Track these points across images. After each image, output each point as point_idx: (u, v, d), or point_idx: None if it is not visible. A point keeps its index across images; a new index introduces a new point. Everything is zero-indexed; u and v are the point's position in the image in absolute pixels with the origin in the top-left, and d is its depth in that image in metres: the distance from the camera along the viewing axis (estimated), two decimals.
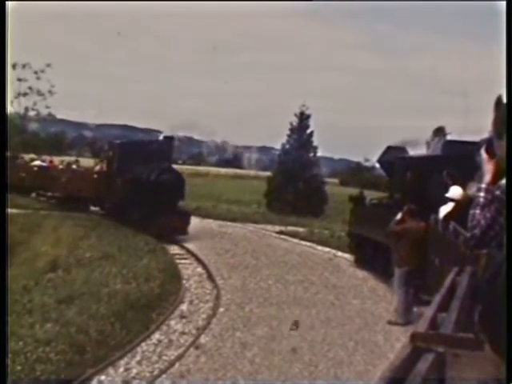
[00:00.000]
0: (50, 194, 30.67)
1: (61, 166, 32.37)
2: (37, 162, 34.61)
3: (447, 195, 11.14)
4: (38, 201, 30.51)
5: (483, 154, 4.32)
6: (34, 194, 31.75)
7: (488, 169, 3.56)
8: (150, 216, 21.14)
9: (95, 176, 26.39)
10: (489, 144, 3.63)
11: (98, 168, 27.27)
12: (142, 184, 21.85)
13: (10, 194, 26.90)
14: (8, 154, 39.90)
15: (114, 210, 24.24)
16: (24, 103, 44.56)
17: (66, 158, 39.42)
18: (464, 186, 10.91)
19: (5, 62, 6.05)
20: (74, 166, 32.03)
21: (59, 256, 16.09)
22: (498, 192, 3.32)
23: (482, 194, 3.39)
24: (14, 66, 41.48)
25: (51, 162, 35.71)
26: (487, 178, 3.45)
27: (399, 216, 12.57)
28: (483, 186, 3.42)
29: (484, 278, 3.64)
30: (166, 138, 24.89)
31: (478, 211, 3.39)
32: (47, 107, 45.00)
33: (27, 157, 37.92)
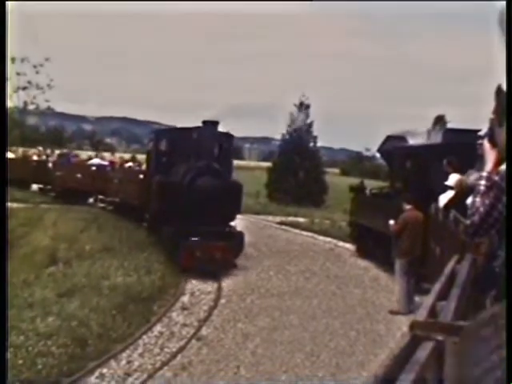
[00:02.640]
0: (109, 199, 25.62)
1: (127, 165, 27.69)
2: (95, 161, 29.94)
3: (447, 183, 11.11)
4: (97, 207, 26.74)
5: (486, 143, 4.29)
6: (91, 200, 28.06)
7: (490, 158, 3.55)
8: (180, 237, 15.19)
9: (141, 177, 20.63)
10: (491, 134, 3.62)
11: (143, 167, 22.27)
12: (175, 189, 15.89)
13: (68, 200, 25.89)
14: (61, 151, 39.00)
15: (151, 223, 18.53)
16: (23, 97, 44.53)
17: (123, 155, 37.22)
18: (464, 174, 10.88)
19: (5, 61, 6.01)
20: (130, 164, 28.07)
21: (59, 249, 16.09)
22: (497, 178, 3.30)
23: (482, 182, 3.38)
24: (12, 60, 41.42)
25: (112, 161, 30.08)
26: (489, 166, 3.44)
27: (401, 218, 12.51)
28: (484, 174, 3.41)
29: (496, 264, 3.63)
30: (207, 123, 16.38)
31: (477, 199, 3.38)
32: (46, 101, 44.97)
33: (84, 154, 35.08)
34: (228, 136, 18.65)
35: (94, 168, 27.95)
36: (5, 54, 5.99)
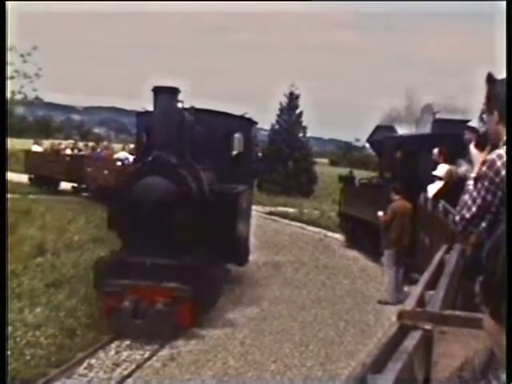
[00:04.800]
0: None
1: None
2: (121, 155, 24.89)
3: (435, 173, 11.13)
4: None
5: (473, 149, 4.31)
6: None
7: (477, 161, 3.57)
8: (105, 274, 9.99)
9: None
10: (477, 139, 3.64)
11: None
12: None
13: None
14: (94, 144, 34.89)
15: None
16: (10, 87, 44.17)
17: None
18: (454, 164, 10.89)
19: (5, 61, 5.94)
20: None
21: (47, 240, 16.01)
22: (484, 168, 3.29)
23: (471, 183, 3.41)
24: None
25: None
26: (477, 169, 3.49)
27: (390, 208, 12.51)
28: (473, 175, 3.45)
29: (484, 252, 3.63)
30: (159, 91, 10.86)
31: (466, 196, 3.39)
32: (34, 90, 44.60)
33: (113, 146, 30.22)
34: (245, 122, 13.83)
35: (119, 163, 23.27)
36: (5, 54, 5.91)
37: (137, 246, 10.06)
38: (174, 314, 9.41)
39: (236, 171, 12.36)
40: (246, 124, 13.79)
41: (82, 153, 29.47)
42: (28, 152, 32.63)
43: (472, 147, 7.25)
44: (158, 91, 10.69)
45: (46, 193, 27.49)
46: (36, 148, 32.74)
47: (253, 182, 14.44)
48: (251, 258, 13.73)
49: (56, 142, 36.66)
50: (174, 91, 10.82)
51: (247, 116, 13.99)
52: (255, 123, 14.54)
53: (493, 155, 3.29)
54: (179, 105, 11.01)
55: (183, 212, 10.05)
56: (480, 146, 3.76)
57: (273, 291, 12.85)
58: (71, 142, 34.75)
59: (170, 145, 10.52)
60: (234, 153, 13.18)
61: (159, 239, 9.94)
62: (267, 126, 42.73)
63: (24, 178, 31.34)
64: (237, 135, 13.23)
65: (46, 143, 34.97)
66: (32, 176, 30.76)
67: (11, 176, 29.08)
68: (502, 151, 3.18)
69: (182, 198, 10.09)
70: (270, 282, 13.69)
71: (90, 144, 33.12)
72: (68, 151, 30.60)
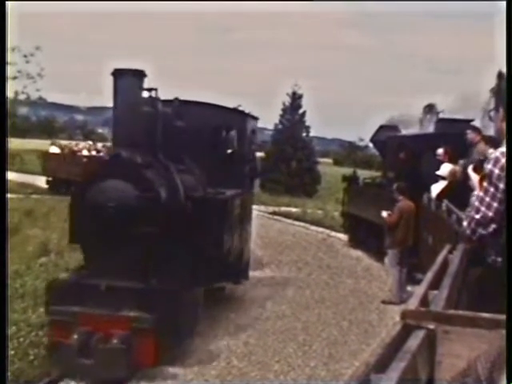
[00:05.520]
0: None
1: None
2: None
3: (438, 173, 11.14)
4: None
5: (471, 173, 4.34)
6: None
7: (476, 182, 3.63)
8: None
9: None
10: (476, 163, 3.67)
11: None
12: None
13: None
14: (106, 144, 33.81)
15: None
16: (14, 87, 44.18)
17: None
18: (457, 164, 10.89)
19: (5, 60, 5.93)
20: None
21: (51, 239, 16.02)
22: (489, 166, 3.29)
23: (474, 198, 3.46)
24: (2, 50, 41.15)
25: None
26: (477, 188, 3.56)
27: (397, 208, 12.47)
28: (475, 193, 3.52)
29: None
30: (121, 74, 8.80)
31: (473, 199, 3.42)
32: (37, 90, 44.60)
33: None
34: (239, 115, 12.08)
35: None
36: (5, 54, 5.90)
37: (95, 265, 8.38)
38: (132, 351, 7.59)
39: (228, 173, 10.82)
40: (240, 118, 11.94)
41: (100, 154, 28.45)
42: (45, 154, 31.92)
43: (470, 170, 7.29)
44: (118, 75, 8.61)
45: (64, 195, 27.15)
46: (53, 149, 32.12)
47: (251, 185, 12.71)
48: (254, 257, 13.69)
49: (73, 142, 35.88)
50: (138, 74, 8.72)
51: (241, 109, 12.26)
52: (253, 118, 12.83)
53: (496, 153, 3.29)
54: (150, 94, 9.16)
55: (148, 223, 8.17)
56: (478, 170, 3.85)
57: (276, 291, 12.79)
58: (89, 142, 33.80)
59: (135, 141, 8.60)
60: (227, 151, 11.50)
61: (119, 257, 8.17)
62: (270, 126, 42.78)
63: (29, 178, 31.31)
64: (229, 131, 11.56)
65: (64, 144, 34.19)
66: (50, 179, 29.75)
67: (15, 176, 29.16)
68: (505, 149, 3.18)
69: (146, 205, 8.22)
70: (273, 281, 13.66)
71: (108, 144, 32.63)
72: (85, 152, 29.87)
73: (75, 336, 7.60)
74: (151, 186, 8.43)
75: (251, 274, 12.56)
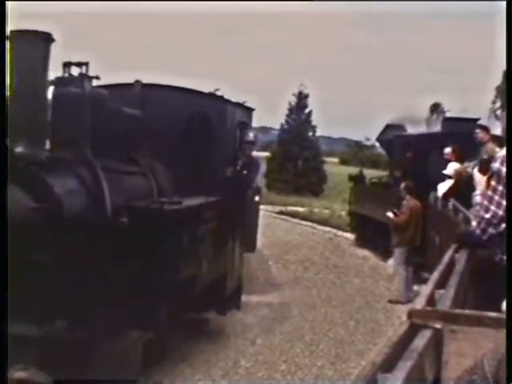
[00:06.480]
0: None
1: None
2: None
3: (445, 172, 11.12)
4: None
5: (476, 174, 4.35)
6: None
7: (481, 184, 3.66)
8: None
9: None
10: (481, 164, 3.70)
11: None
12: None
13: None
14: None
15: None
16: None
17: None
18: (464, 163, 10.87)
19: (5, 60, 5.92)
20: None
21: None
22: (497, 165, 3.31)
23: (478, 200, 3.49)
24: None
25: None
26: (481, 188, 3.60)
27: (404, 208, 12.46)
28: (478, 192, 3.55)
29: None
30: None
31: (480, 199, 3.43)
32: None
33: None
34: (217, 102, 9.49)
35: None
36: (5, 54, 5.90)
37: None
38: None
39: (201, 177, 8.43)
40: (217, 106, 9.28)
41: None
42: None
43: (476, 171, 7.28)
44: (14, 39, 6.08)
45: None
46: None
47: (241, 192, 9.91)
48: (261, 257, 13.66)
49: None
50: (43, 38, 6.23)
51: (219, 94, 10.11)
52: (241, 107, 10.28)
53: (503, 151, 3.31)
54: (80, 70, 7.02)
55: (47, 244, 5.85)
56: (483, 170, 3.88)
57: (283, 290, 12.81)
58: None
59: (36, 133, 6.26)
60: (200, 149, 8.87)
61: (14, 292, 4.78)
62: (277, 126, 42.77)
63: None
64: (204, 122, 8.96)
65: None
66: None
67: None
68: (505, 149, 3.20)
69: (44, 221, 5.86)
70: (280, 281, 13.66)
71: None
72: None
73: None
74: (50, 194, 5.99)
75: None
